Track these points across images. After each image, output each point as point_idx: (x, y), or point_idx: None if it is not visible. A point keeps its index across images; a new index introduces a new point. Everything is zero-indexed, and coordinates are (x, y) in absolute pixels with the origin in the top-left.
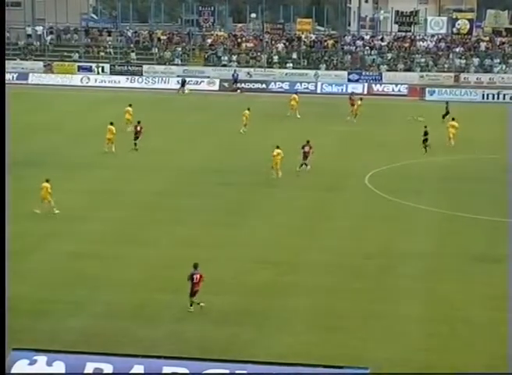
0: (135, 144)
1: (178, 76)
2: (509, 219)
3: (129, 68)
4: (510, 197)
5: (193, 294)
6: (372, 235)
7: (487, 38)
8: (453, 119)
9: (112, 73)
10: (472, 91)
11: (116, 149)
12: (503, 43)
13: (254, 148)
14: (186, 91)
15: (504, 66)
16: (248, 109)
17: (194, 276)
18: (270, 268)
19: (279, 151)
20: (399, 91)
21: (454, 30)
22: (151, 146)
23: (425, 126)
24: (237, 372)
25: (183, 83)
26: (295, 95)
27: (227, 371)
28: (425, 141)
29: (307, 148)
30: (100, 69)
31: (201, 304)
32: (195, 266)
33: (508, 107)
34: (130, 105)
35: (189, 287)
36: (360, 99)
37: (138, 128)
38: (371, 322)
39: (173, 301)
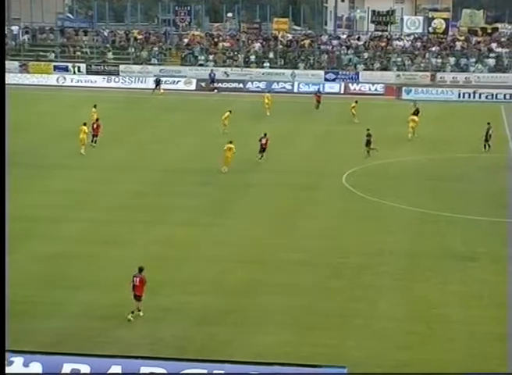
0: (94, 141)
1: (155, 75)
2: (485, 217)
3: (106, 68)
4: (486, 195)
5: (136, 298)
6: (349, 234)
7: (463, 38)
8: (416, 114)
9: (89, 72)
10: (448, 90)
11: (87, 149)
12: (479, 42)
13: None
14: (161, 91)
15: (480, 66)
16: (230, 111)
17: (135, 279)
18: (248, 267)
19: (230, 146)
20: (375, 90)
21: (430, 29)
22: (127, 146)
23: (368, 129)
24: (215, 372)
25: (158, 83)
26: (268, 94)
27: (205, 371)
28: (368, 143)
29: (264, 140)
30: (76, 68)
31: (140, 313)
32: (140, 269)
33: (484, 106)
34: (95, 106)
35: (130, 290)
36: (356, 102)
37: (95, 126)
38: (349, 321)
39: (150, 301)
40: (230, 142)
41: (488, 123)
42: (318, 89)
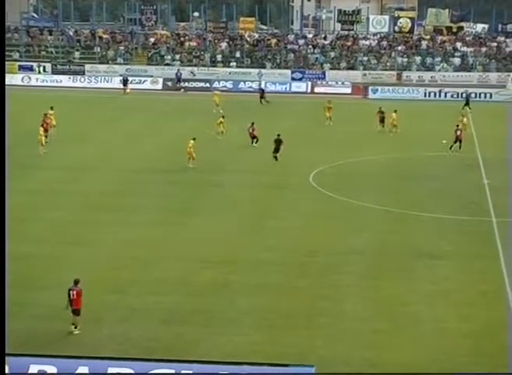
0: (45, 136)
1: (121, 75)
2: (452, 216)
3: (71, 67)
4: (453, 194)
5: (74, 312)
6: (317, 233)
7: (428, 37)
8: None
9: (54, 72)
10: (414, 89)
11: (52, 149)
12: (444, 41)
13: (198, 147)
14: (128, 90)
15: (445, 65)
16: (223, 117)
17: (71, 293)
18: (215, 267)
19: (193, 142)
20: (342, 89)
21: (396, 28)
22: (93, 146)
23: (278, 135)
24: (183, 372)
25: (125, 82)
26: (217, 92)
27: (173, 371)
28: (277, 150)
29: (251, 129)
30: (41, 68)
31: (75, 332)
32: (75, 282)
33: (450, 105)
34: (52, 108)
35: (67, 304)
36: (329, 102)
37: (45, 124)
38: (317, 320)
39: (118, 301)
40: (194, 139)
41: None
42: (260, 85)
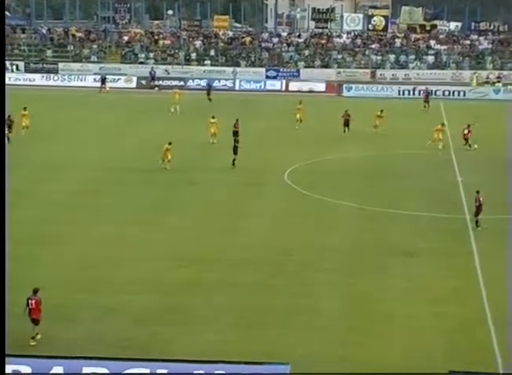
0: (8, 136)
1: (94, 73)
2: (425, 213)
3: (45, 66)
4: (427, 191)
5: (33, 322)
6: (292, 231)
7: (402, 35)
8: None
9: (27, 70)
10: (388, 87)
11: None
12: (418, 39)
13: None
14: (107, 89)
15: (419, 62)
16: (213, 117)
17: (30, 302)
18: (190, 266)
19: (169, 147)
20: (316, 87)
21: (370, 26)
22: (66, 145)
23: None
24: (158, 371)
25: (103, 81)
26: (177, 90)
27: (148, 370)
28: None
29: (237, 125)
30: (14, 67)
31: (32, 343)
32: (34, 291)
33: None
34: (25, 109)
35: (24, 312)
36: (300, 102)
37: (8, 122)
38: (292, 317)
39: (91, 301)
40: (169, 143)
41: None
42: (208, 83)
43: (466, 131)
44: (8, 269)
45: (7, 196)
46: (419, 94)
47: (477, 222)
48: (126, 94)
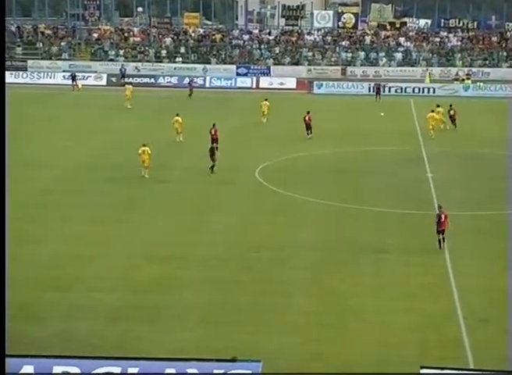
0: None
1: (64, 71)
2: (396, 209)
3: (13, 63)
4: (397, 188)
5: None
6: (262, 228)
7: (372, 32)
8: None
9: None
10: (359, 84)
11: None
12: (388, 37)
13: (141, 143)
14: (80, 86)
15: (389, 60)
16: (177, 115)
17: None
18: (160, 263)
19: (144, 148)
20: (287, 84)
21: (340, 24)
22: (34, 143)
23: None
24: (129, 370)
25: (74, 79)
26: (129, 86)
27: (119, 369)
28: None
29: (213, 131)
30: None
31: None
32: None
33: (394, 99)
34: None
35: None
36: (266, 99)
37: None
38: (263, 314)
39: (62, 299)
40: (144, 145)
41: (451, 105)
42: (191, 80)
43: (452, 112)
44: None
45: None
46: (389, 91)
47: (439, 241)
48: (97, 92)
